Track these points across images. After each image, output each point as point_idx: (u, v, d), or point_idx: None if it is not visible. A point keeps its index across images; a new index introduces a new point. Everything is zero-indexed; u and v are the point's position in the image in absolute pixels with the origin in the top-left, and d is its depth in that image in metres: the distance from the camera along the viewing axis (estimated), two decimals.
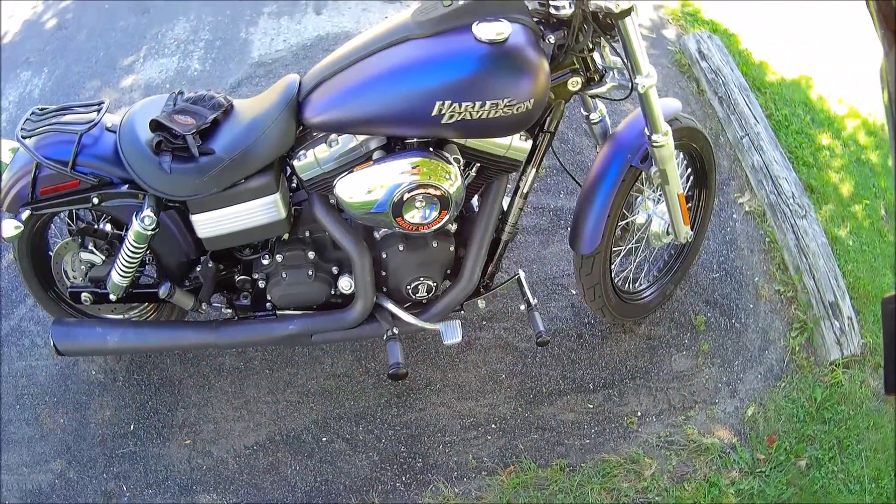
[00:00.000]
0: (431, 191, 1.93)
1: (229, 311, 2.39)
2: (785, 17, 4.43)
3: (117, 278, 2.25)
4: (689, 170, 2.63)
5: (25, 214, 2.14)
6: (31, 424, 2.66)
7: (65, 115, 2.12)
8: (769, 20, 4.39)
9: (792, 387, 2.64)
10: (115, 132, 2.09)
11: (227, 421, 2.60)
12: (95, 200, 2.11)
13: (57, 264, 2.44)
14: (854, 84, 4.02)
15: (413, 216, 1.97)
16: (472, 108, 1.84)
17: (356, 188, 1.95)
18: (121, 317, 2.55)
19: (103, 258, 2.36)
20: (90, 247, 2.36)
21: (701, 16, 4.27)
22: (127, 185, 2.10)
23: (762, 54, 4.05)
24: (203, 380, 2.69)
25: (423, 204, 1.95)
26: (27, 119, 2.11)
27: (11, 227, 2.14)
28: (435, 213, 1.98)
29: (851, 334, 2.69)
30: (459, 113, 1.84)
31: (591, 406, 2.59)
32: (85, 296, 2.40)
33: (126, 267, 2.21)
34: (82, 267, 2.41)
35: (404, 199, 1.93)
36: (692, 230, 2.57)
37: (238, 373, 2.70)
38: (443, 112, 1.84)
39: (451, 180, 1.93)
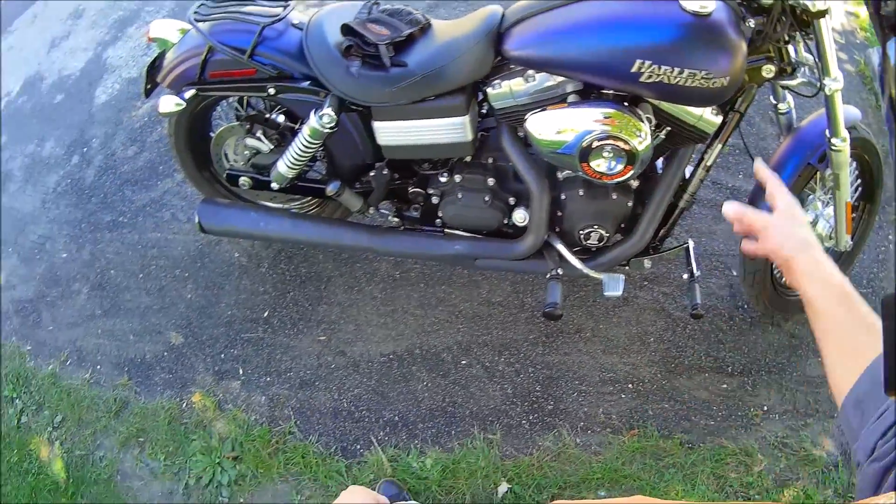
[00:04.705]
0: (620, 144, 1.94)
1: (396, 219, 2.46)
2: None
3: (284, 169, 2.33)
4: (859, 181, 2.57)
5: (190, 93, 2.24)
6: (152, 295, 2.69)
7: (245, 5, 2.18)
8: None
9: None
10: (301, 29, 2.16)
11: (370, 326, 2.62)
12: (272, 91, 2.20)
13: (218, 146, 2.52)
14: None
15: (599, 165, 2.00)
16: (671, 72, 1.84)
17: (547, 126, 1.99)
18: (279, 205, 2.62)
19: (271, 147, 2.42)
20: (258, 134, 2.42)
21: None
22: (309, 82, 2.17)
23: None
24: (354, 281, 2.71)
25: (611, 155, 1.97)
26: (202, 4, 2.19)
27: (172, 104, 2.22)
28: (620, 167, 1.99)
29: None
30: (658, 75, 1.85)
31: (725, 388, 2.55)
32: (244, 180, 2.48)
33: (295, 160, 2.29)
34: (246, 152, 2.47)
35: (593, 146, 1.95)
36: (852, 240, 2.55)
37: (392, 281, 2.71)
38: (642, 70, 1.85)
39: (641, 138, 1.94)
